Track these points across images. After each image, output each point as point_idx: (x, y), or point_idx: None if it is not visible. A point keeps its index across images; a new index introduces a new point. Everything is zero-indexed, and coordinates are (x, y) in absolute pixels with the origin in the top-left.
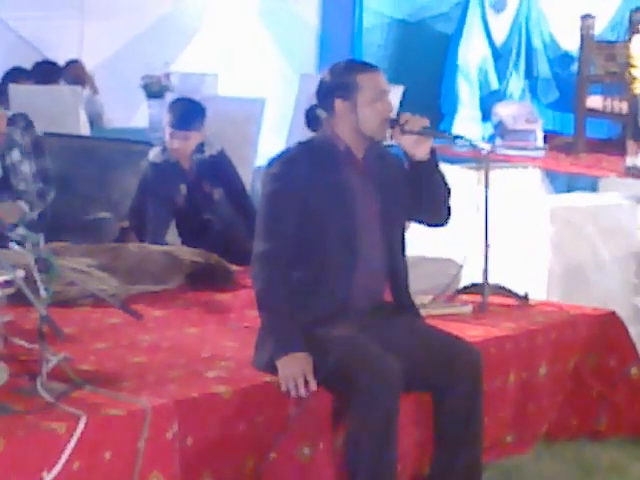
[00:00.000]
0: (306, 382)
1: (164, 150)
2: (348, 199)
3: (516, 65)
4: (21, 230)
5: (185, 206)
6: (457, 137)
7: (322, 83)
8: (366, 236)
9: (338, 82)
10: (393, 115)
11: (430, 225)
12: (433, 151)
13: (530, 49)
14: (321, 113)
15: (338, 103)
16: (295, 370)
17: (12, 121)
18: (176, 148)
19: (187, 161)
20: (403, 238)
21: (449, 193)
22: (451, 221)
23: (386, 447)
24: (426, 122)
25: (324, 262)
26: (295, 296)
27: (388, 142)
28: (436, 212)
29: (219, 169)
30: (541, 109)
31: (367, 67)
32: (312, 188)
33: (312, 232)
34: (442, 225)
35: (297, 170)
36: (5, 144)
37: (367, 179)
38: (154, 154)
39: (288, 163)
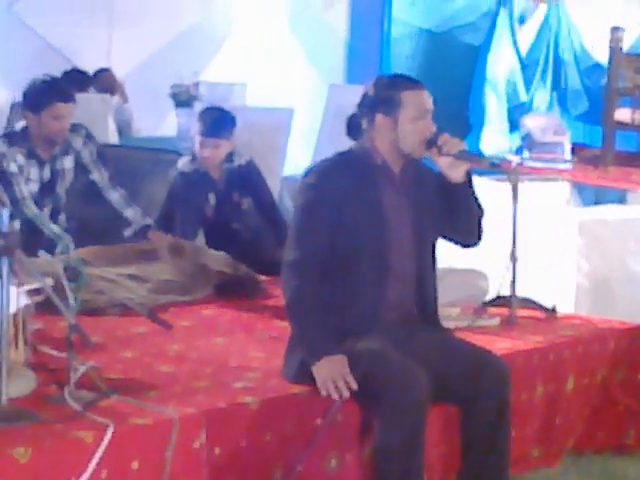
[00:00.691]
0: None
1: (193, 159)
2: (382, 214)
3: (543, 76)
4: (56, 229)
5: (214, 215)
6: (493, 163)
7: (365, 96)
8: (398, 251)
9: (382, 96)
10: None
11: (461, 245)
12: (468, 173)
13: (558, 60)
14: (363, 123)
15: (379, 118)
16: (334, 372)
17: (73, 128)
18: (206, 157)
19: (217, 170)
20: (434, 254)
21: (482, 215)
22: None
23: (413, 460)
24: (463, 146)
25: (356, 276)
26: (327, 308)
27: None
28: (468, 233)
29: (248, 179)
30: (570, 121)
31: (412, 84)
32: (347, 200)
33: (344, 245)
34: (473, 246)
35: (333, 181)
36: (61, 149)
37: (402, 195)
38: (183, 163)
39: (325, 173)
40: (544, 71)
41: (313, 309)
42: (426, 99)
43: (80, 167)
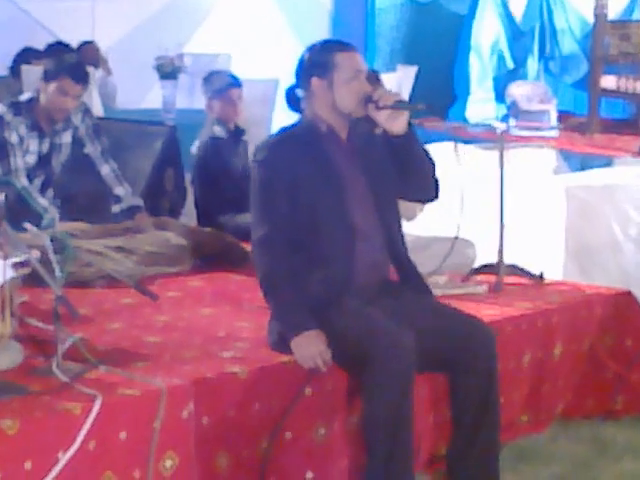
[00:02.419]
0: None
1: (219, 123)
2: (337, 179)
3: (534, 44)
4: (42, 201)
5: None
6: (428, 107)
7: (300, 62)
8: (360, 213)
9: (315, 61)
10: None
11: (421, 201)
12: (411, 125)
13: (553, 27)
14: (299, 92)
15: (314, 81)
16: (311, 350)
17: None
18: (238, 108)
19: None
20: (399, 214)
21: (434, 166)
22: (466, 201)
23: (402, 427)
24: (399, 96)
25: (322, 242)
26: (299, 278)
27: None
28: (424, 187)
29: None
30: (563, 88)
31: (344, 46)
32: (299, 171)
33: (305, 214)
34: (432, 200)
35: (282, 155)
36: (63, 124)
37: (353, 157)
38: (216, 130)
39: (273, 149)
40: (537, 39)
41: (286, 284)
42: (358, 60)
43: (76, 141)
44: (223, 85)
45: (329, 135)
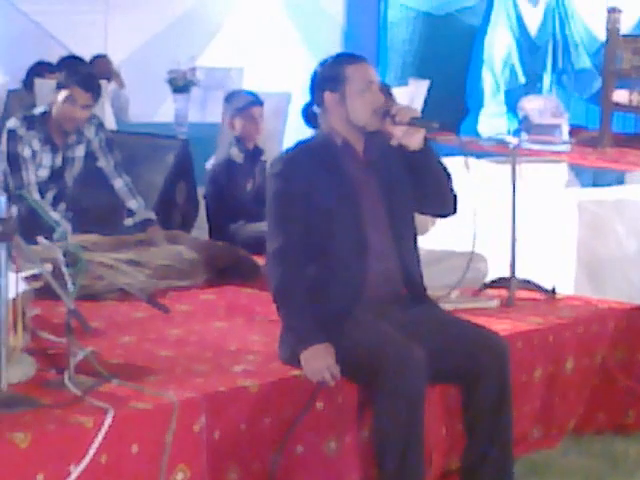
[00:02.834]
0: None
1: (238, 142)
2: (352, 193)
3: (547, 58)
4: (54, 214)
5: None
6: (443, 126)
7: (313, 78)
8: (374, 226)
9: (327, 75)
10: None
11: (439, 216)
12: (427, 141)
13: (565, 41)
14: (316, 109)
15: (327, 96)
16: (319, 363)
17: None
18: (260, 126)
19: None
20: (414, 229)
21: (450, 180)
22: (478, 215)
23: (413, 440)
24: (416, 113)
25: (335, 255)
26: (312, 291)
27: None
28: (441, 202)
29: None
30: (575, 103)
31: (354, 58)
32: (315, 184)
33: (320, 227)
34: (450, 214)
35: (298, 168)
36: (76, 138)
37: (369, 170)
38: (234, 153)
39: (289, 162)
40: (550, 53)
41: (298, 297)
42: (369, 71)
43: (89, 155)
44: (245, 103)
45: (345, 149)
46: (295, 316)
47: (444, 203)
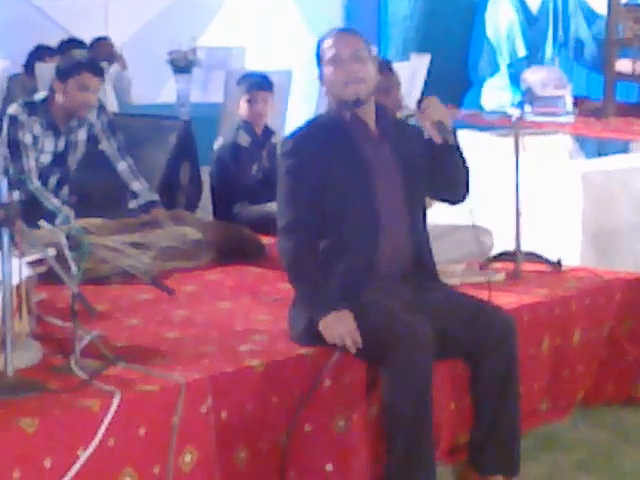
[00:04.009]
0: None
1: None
2: (362, 166)
3: (548, 30)
4: (55, 201)
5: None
6: (457, 148)
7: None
8: (386, 202)
9: (317, 52)
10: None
11: (449, 202)
12: (454, 132)
13: (566, 12)
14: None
15: (321, 72)
16: (341, 328)
17: None
18: (259, 111)
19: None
20: (424, 205)
21: (468, 173)
22: (482, 189)
23: (422, 416)
24: (442, 115)
25: (347, 229)
26: (323, 265)
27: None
28: (452, 192)
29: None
30: (579, 73)
31: (332, 32)
32: (327, 160)
33: (332, 201)
34: (458, 202)
35: (308, 144)
36: (79, 121)
37: (382, 144)
38: (241, 136)
39: (300, 138)
40: (553, 24)
41: (313, 267)
42: (339, 44)
43: (92, 138)
44: (255, 86)
45: (354, 123)
46: (311, 285)
47: (455, 194)
